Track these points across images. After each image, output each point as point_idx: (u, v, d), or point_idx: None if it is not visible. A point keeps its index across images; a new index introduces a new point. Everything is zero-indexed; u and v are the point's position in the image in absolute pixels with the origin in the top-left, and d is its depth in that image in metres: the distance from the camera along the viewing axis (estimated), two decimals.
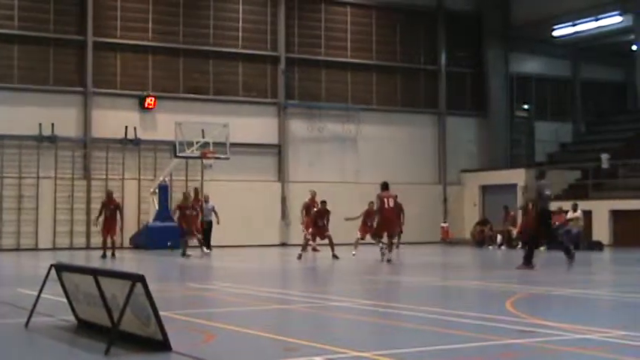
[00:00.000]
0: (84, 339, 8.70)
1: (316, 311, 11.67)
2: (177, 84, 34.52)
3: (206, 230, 30.03)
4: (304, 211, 28.50)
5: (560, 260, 24.87)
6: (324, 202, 25.18)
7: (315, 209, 25.94)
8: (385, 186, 23.14)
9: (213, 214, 29.46)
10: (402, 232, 29.29)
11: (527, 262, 19.47)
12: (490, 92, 40.15)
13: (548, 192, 19.89)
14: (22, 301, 11.58)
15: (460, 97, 40.14)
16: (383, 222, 22.74)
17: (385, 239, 22.54)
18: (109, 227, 25.12)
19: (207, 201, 30.50)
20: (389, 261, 22.08)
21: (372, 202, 26.13)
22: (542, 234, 20.45)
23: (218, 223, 29.26)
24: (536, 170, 20.46)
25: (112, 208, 25.24)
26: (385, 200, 22.66)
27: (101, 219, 25.32)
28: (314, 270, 20.92)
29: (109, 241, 25.18)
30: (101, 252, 25.14)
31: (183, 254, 25.79)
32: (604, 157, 35.57)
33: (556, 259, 25.69)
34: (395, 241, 28.64)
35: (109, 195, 26.12)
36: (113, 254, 24.88)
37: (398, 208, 26.78)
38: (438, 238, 37.45)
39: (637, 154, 34.63)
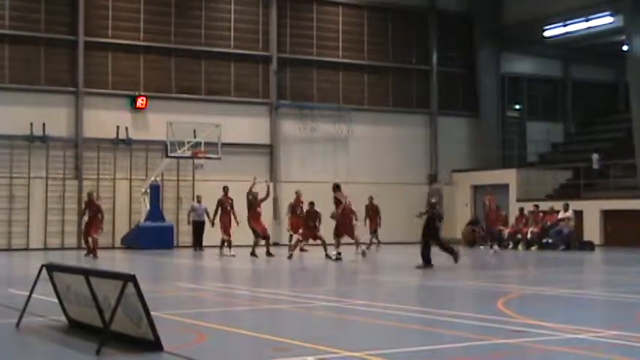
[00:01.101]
0: (75, 339, 8.68)
1: (307, 311, 11.67)
2: (168, 84, 34.47)
3: (198, 230, 30.31)
4: (289, 212, 28.56)
5: (552, 260, 24.96)
6: (312, 204, 25.18)
7: (306, 210, 25.96)
8: (338, 187, 24.09)
9: (205, 214, 29.76)
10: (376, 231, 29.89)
11: (426, 261, 19.90)
12: (482, 92, 40.20)
13: (435, 198, 20.25)
14: (13, 302, 11.55)
15: (452, 97, 40.19)
16: (345, 222, 23.80)
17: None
18: (89, 227, 25.29)
19: (199, 201, 30.68)
20: (364, 254, 23.37)
21: (349, 201, 26.86)
22: (432, 235, 20.57)
23: (212, 225, 29.49)
24: (429, 174, 20.98)
25: (93, 209, 25.38)
26: (345, 200, 23.79)
27: (85, 219, 25.41)
28: (305, 270, 20.91)
29: (90, 240, 25.33)
30: (85, 251, 25.45)
31: (252, 253, 25.29)
32: (594, 157, 35.66)
33: (548, 259, 25.77)
34: (375, 240, 28.97)
35: (89, 196, 26.27)
36: (94, 254, 24.87)
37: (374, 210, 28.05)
38: None
39: (628, 154, 34.72)
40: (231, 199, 26.48)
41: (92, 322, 8.63)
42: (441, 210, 20.40)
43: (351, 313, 11.31)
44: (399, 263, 23.48)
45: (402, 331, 9.47)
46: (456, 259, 20.32)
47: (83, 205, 26.37)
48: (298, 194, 28.60)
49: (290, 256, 24.19)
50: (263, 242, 25.52)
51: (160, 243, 30.72)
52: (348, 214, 24.23)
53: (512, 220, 33.93)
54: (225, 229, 26.29)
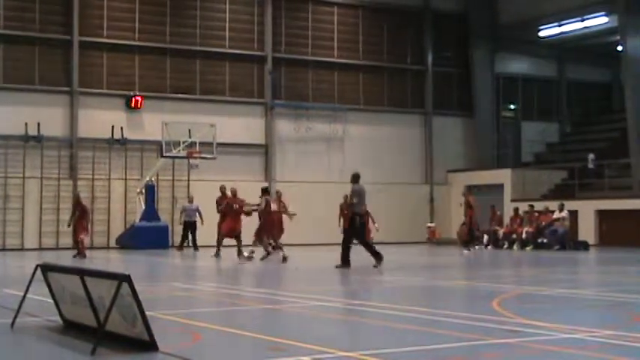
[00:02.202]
0: (70, 339, 8.67)
1: (303, 311, 11.66)
2: (163, 84, 34.46)
3: (191, 231, 30.20)
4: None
5: (547, 260, 24.97)
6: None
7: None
8: (266, 190, 24.04)
9: (197, 214, 29.76)
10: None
11: (345, 262, 19.96)
12: (477, 92, 40.24)
13: (355, 199, 20.33)
14: (8, 302, 11.53)
15: (447, 97, 40.22)
16: (270, 224, 23.52)
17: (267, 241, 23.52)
18: (75, 228, 25.58)
19: (191, 201, 30.65)
20: (284, 259, 22.58)
21: (346, 200, 27.04)
22: (353, 235, 20.60)
23: (202, 223, 29.62)
24: (352, 174, 21.02)
25: (79, 210, 25.63)
26: (271, 204, 23.59)
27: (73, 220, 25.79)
28: (299, 270, 20.89)
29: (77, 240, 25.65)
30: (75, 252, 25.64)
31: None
32: (590, 157, 35.70)
33: (543, 259, 25.79)
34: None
35: (76, 197, 26.50)
36: (82, 254, 25.02)
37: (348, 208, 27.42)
38: (425, 238, 37.49)
39: (622, 154, 34.78)
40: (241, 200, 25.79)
41: (87, 322, 8.61)
42: (359, 209, 20.36)
43: (345, 313, 11.31)
44: (393, 263, 23.46)
45: (397, 330, 9.47)
46: (378, 262, 19.89)
47: (72, 207, 26.65)
48: (279, 194, 28.21)
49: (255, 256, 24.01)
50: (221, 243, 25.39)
51: (155, 243, 30.69)
52: (278, 218, 24.05)
53: (507, 220, 33.96)
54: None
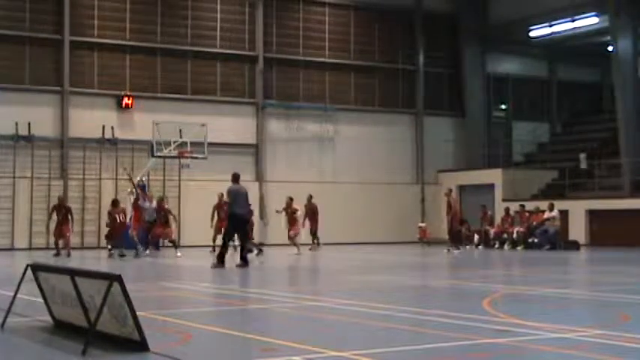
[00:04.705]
0: (60, 339, 8.66)
1: (293, 311, 11.66)
2: (154, 83, 34.39)
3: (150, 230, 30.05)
4: (215, 213, 27.83)
5: (537, 260, 25.01)
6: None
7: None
8: (115, 203, 26.11)
9: (155, 214, 29.72)
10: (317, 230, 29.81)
11: (220, 260, 20.30)
12: (467, 92, 40.27)
13: (229, 198, 20.78)
14: None
15: (438, 97, 40.24)
16: (116, 231, 25.70)
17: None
18: (60, 230, 26.07)
19: (150, 201, 30.42)
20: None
21: (309, 201, 29.10)
22: (231, 234, 21.12)
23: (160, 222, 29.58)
24: (232, 173, 21.24)
25: (63, 212, 26.12)
26: (117, 216, 25.74)
27: (53, 222, 26.34)
28: (289, 270, 20.91)
29: (61, 242, 26.23)
30: (55, 251, 26.05)
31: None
32: (582, 156, 35.78)
33: (534, 259, 25.84)
34: (316, 241, 29.06)
35: (59, 199, 26.88)
36: (60, 252, 25.59)
37: (315, 210, 29.18)
38: (416, 238, 37.50)
39: (612, 154, 34.87)
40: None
41: (78, 322, 8.60)
42: (238, 209, 20.60)
43: (336, 312, 11.31)
44: (385, 263, 23.48)
45: (388, 330, 9.48)
46: (242, 265, 20.22)
47: (51, 208, 27.26)
48: (220, 197, 27.88)
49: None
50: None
51: (146, 243, 30.51)
52: (123, 226, 25.56)
53: (498, 220, 34.03)
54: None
